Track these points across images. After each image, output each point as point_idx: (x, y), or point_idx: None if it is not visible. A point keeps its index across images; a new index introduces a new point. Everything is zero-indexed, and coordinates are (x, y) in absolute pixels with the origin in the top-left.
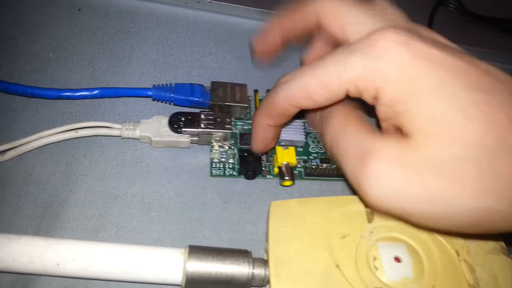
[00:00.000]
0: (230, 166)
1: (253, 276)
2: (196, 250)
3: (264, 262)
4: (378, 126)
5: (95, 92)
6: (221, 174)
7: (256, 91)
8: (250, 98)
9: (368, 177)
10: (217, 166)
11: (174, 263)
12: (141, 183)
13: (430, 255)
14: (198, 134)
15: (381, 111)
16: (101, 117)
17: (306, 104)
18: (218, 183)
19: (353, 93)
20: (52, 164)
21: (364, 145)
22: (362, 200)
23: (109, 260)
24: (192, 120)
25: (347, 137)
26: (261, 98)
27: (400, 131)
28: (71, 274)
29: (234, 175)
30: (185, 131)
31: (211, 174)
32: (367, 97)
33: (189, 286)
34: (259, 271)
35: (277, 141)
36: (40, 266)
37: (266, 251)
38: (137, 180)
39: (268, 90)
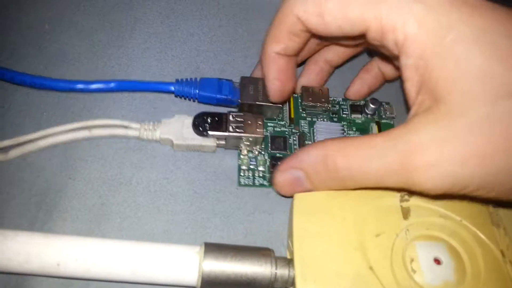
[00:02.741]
0: (260, 175)
1: (276, 278)
2: (213, 249)
3: (288, 262)
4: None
5: (111, 85)
6: (250, 183)
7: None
8: None
9: (419, 178)
10: (246, 175)
11: (188, 262)
12: (147, 168)
13: (473, 256)
14: (225, 138)
15: (407, 64)
16: (117, 114)
17: (314, 23)
18: (230, 169)
19: (372, 35)
20: (48, 148)
21: (396, 149)
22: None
23: (116, 260)
24: (219, 122)
25: (365, 157)
26: (295, 95)
27: (427, 90)
28: (73, 275)
29: (265, 185)
30: (211, 135)
31: (239, 184)
32: (390, 43)
33: None
34: (282, 272)
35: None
36: (38, 266)
37: (289, 249)
38: (142, 166)
39: (302, 87)
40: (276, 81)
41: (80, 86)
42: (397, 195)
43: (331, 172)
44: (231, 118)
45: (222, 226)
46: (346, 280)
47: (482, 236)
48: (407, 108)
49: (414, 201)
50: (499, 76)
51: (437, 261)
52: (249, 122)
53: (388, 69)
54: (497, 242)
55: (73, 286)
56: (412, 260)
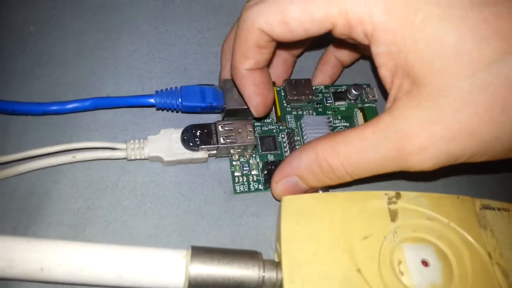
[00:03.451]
0: (255, 179)
1: (263, 281)
2: (200, 252)
3: (276, 265)
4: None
5: (87, 103)
6: (246, 190)
7: (273, 83)
8: None
9: (415, 162)
10: (241, 181)
11: (175, 266)
12: (134, 171)
13: (460, 258)
14: (217, 149)
15: (379, 53)
16: (97, 133)
17: (279, 32)
18: (218, 172)
19: (339, 30)
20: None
21: (387, 139)
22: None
23: (101, 264)
24: (208, 134)
25: (358, 152)
26: (278, 88)
27: (404, 74)
28: (57, 280)
29: (260, 189)
30: (202, 148)
31: (235, 191)
32: (359, 35)
33: None
34: (270, 275)
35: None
36: (21, 272)
37: (277, 252)
38: (129, 169)
39: (285, 81)
40: (256, 96)
41: (54, 108)
42: (384, 198)
43: (326, 172)
44: (220, 128)
45: (209, 230)
46: (334, 283)
47: (470, 238)
48: (383, 90)
49: (402, 204)
50: (472, 50)
51: (425, 263)
52: (239, 130)
53: (344, 56)
54: (484, 244)
55: None
56: (399, 262)
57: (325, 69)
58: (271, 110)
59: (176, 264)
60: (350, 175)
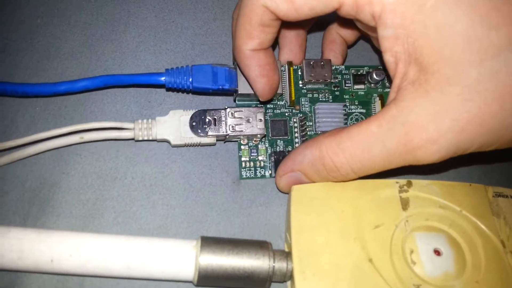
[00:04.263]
0: (262, 165)
1: (274, 271)
2: (210, 242)
3: (286, 255)
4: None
5: (97, 81)
6: (252, 176)
7: (290, 63)
8: (282, 69)
9: (423, 155)
10: (247, 166)
11: (185, 257)
12: (142, 162)
13: (473, 247)
14: (225, 136)
15: (385, 35)
16: (107, 114)
17: (284, 9)
18: (226, 162)
19: (346, 9)
20: (38, 155)
21: (394, 133)
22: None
23: (110, 255)
24: (217, 120)
25: (364, 148)
26: (295, 67)
27: (411, 60)
28: (67, 271)
29: (265, 176)
30: (211, 135)
31: (241, 177)
32: (366, 16)
33: (201, 283)
34: (280, 265)
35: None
36: (31, 263)
37: (287, 242)
38: (137, 160)
39: (305, 61)
40: (262, 78)
41: (64, 87)
42: (396, 186)
43: (330, 171)
44: (230, 115)
45: (218, 220)
46: (345, 273)
47: (482, 227)
48: (388, 77)
49: (413, 192)
50: (482, 37)
51: (437, 252)
52: (249, 119)
53: (349, 35)
54: (498, 232)
55: (68, 283)
56: (411, 252)
57: (335, 48)
58: (276, 92)
59: (186, 254)
60: (356, 173)
